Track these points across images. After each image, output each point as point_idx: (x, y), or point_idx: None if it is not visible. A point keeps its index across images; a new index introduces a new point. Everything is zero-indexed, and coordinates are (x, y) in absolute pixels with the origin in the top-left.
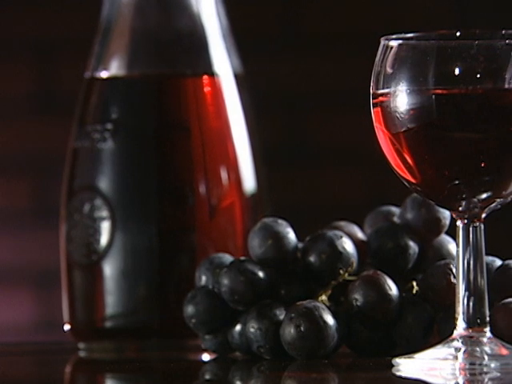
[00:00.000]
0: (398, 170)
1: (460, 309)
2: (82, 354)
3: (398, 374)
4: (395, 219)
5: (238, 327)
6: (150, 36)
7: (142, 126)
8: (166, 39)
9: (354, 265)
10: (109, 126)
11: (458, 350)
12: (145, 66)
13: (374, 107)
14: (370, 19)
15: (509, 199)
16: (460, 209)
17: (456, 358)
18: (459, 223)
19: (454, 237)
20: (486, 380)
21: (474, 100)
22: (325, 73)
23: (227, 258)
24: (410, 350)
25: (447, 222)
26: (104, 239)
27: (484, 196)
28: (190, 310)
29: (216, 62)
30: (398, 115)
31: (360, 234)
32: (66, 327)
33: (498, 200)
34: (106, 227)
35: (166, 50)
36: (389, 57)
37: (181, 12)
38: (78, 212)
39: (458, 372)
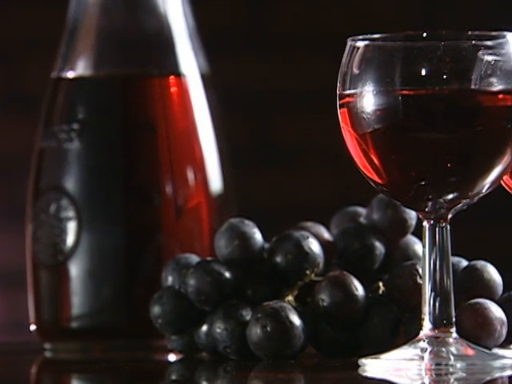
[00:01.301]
0: (364, 170)
1: (426, 309)
2: (48, 354)
3: (364, 374)
4: (361, 220)
5: (205, 327)
6: (117, 36)
7: (108, 126)
8: (132, 39)
9: (321, 265)
10: (75, 126)
11: (424, 350)
12: (111, 66)
13: (340, 108)
14: (337, 20)
15: (475, 200)
16: (426, 209)
17: (422, 358)
18: (425, 224)
19: (421, 237)
20: (452, 380)
21: (441, 101)
22: (291, 73)
23: (194, 259)
24: (376, 350)
25: (413, 222)
26: (70, 239)
27: (450, 197)
28: (156, 310)
29: (183, 62)
30: (364, 116)
31: (326, 235)
32: (32, 327)
33: (464, 201)
34: (72, 227)
35: (132, 50)
36: (355, 57)
37: (147, 12)
38: (45, 212)
39: (423, 372)
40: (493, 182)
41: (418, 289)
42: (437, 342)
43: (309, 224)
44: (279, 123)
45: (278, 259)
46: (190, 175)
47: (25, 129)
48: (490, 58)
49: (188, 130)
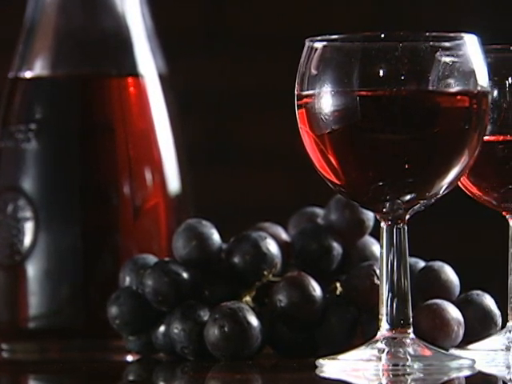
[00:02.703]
0: (322, 171)
1: (383, 310)
2: (4, 354)
3: (321, 374)
4: (319, 220)
5: (162, 328)
6: (75, 36)
7: (65, 126)
8: (90, 39)
9: (278, 266)
10: (33, 126)
11: (381, 351)
12: (69, 66)
13: (298, 108)
14: (295, 20)
15: (432, 201)
16: (384, 210)
17: (379, 359)
18: (383, 224)
19: (378, 238)
20: (409, 381)
21: (398, 101)
22: (249, 73)
23: (151, 259)
24: (334, 350)
25: (371, 223)
26: (27, 240)
27: (408, 197)
28: (113, 310)
29: (141, 62)
30: (322, 117)
31: (284, 235)
32: None
33: (422, 201)
34: (29, 228)
35: (90, 50)
36: (313, 58)
37: (105, 12)
38: (2, 212)
39: (381, 373)
40: (450, 183)
41: (376, 289)
42: (394, 342)
43: (266, 225)
44: (237, 123)
45: (236, 260)
46: (148, 175)
47: None
48: (447, 59)
49: (146, 130)
